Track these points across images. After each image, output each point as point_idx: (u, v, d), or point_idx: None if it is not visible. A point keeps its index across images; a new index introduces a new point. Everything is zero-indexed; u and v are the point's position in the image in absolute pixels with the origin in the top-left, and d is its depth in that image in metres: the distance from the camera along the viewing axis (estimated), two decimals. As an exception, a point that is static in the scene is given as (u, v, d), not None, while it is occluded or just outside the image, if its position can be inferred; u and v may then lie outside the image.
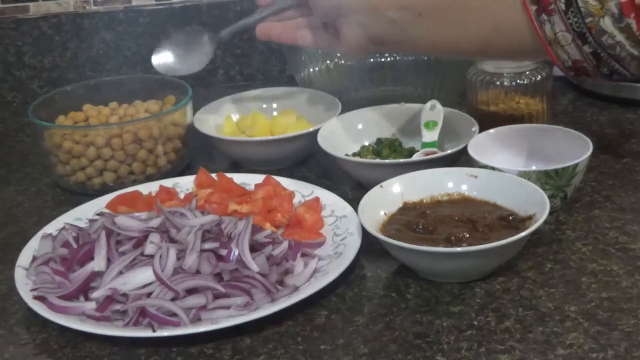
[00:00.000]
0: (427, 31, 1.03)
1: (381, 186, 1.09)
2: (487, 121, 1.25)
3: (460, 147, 1.17)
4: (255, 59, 1.63)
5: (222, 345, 0.94)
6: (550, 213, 1.06)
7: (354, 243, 1.05)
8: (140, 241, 1.01)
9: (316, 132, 1.25)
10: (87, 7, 1.61)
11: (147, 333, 0.93)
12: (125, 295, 0.96)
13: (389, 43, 1.08)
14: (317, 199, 1.15)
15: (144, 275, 0.97)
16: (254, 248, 1.01)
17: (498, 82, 1.27)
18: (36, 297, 0.99)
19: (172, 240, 1.01)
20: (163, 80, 1.41)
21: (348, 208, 1.12)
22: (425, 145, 1.25)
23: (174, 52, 1.22)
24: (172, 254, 0.97)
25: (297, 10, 1.19)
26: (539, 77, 1.27)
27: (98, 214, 1.13)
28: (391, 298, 1.00)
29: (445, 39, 1.03)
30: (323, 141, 1.23)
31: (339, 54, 1.40)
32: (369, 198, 1.07)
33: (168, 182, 1.23)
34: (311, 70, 1.42)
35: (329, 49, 1.17)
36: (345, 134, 1.28)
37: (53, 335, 0.98)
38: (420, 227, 1.04)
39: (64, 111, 1.35)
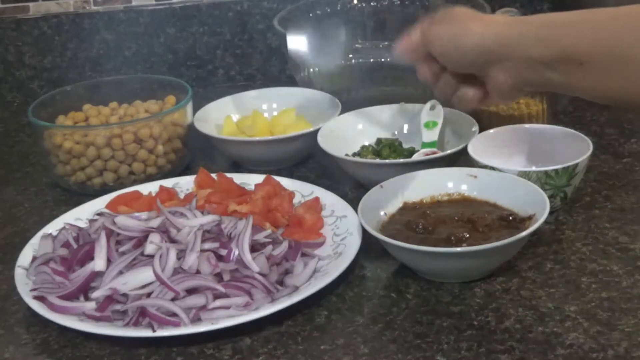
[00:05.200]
0: (590, 82, 0.87)
1: (381, 186, 1.09)
2: (487, 121, 1.25)
3: (460, 147, 1.17)
4: (255, 59, 1.63)
5: (222, 345, 0.94)
6: (550, 213, 1.06)
7: (354, 243, 1.04)
8: (140, 241, 1.01)
9: (316, 132, 1.25)
10: (87, 7, 1.61)
11: (147, 333, 0.93)
12: (125, 295, 0.96)
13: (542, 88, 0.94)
14: (317, 199, 1.14)
15: (144, 275, 0.97)
16: (254, 248, 1.01)
17: (498, 82, 1.27)
18: (36, 297, 0.99)
19: (172, 240, 1.01)
20: (163, 80, 1.41)
21: (348, 208, 1.12)
22: (425, 145, 1.25)
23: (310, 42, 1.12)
24: (172, 254, 0.97)
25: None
26: (539, 77, 1.27)
27: (98, 214, 1.13)
28: (391, 298, 1.00)
29: (613, 91, 0.87)
30: (323, 141, 1.23)
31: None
32: (369, 198, 1.07)
33: (168, 182, 1.22)
34: (311, 70, 1.42)
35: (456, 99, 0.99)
36: (345, 134, 1.28)
37: (53, 335, 0.98)
38: (420, 227, 1.04)
39: (64, 111, 1.35)
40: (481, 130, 1.20)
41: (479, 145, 1.15)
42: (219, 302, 0.95)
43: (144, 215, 1.07)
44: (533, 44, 0.88)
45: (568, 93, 0.95)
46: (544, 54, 0.87)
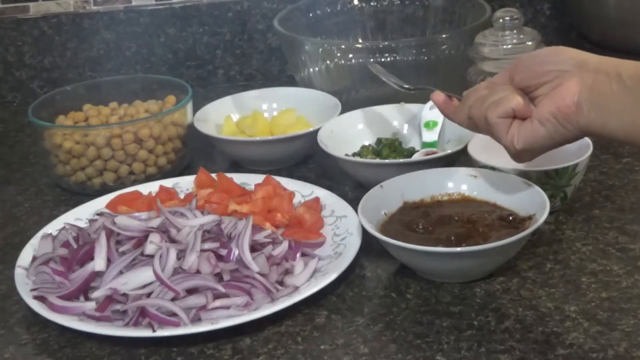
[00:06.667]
0: None
1: (381, 186, 1.09)
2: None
3: (460, 147, 1.17)
4: (255, 59, 1.63)
5: (222, 345, 0.94)
6: (550, 213, 1.06)
7: (354, 243, 1.05)
8: (140, 241, 1.01)
9: (316, 132, 1.25)
10: (87, 7, 1.61)
11: (147, 333, 0.93)
12: (125, 295, 0.96)
13: (606, 115, 0.87)
14: (317, 199, 1.14)
15: (144, 275, 0.97)
16: (254, 248, 1.01)
17: (498, 82, 1.27)
18: (36, 297, 0.99)
19: (172, 240, 1.01)
20: (163, 80, 1.41)
21: (348, 208, 1.12)
22: (425, 145, 1.25)
23: None
24: (172, 254, 0.97)
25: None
26: (539, 77, 1.27)
27: (98, 214, 1.13)
28: (391, 298, 1.00)
29: None
30: (323, 141, 1.23)
31: (339, 54, 1.40)
32: (369, 198, 1.07)
33: (168, 182, 1.22)
34: (311, 70, 1.42)
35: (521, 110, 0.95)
36: (345, 134, 1.28)
37: (53, 335, 0.98)
38: (420, 227, 1.04)
39: (64, 111, 1.35)
40: (481, 130, 1.20)
41: (479, 145, 1.15)
42: (219, 302, 0.95)
43: (144, 215, 1.07)
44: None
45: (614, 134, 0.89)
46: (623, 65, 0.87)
